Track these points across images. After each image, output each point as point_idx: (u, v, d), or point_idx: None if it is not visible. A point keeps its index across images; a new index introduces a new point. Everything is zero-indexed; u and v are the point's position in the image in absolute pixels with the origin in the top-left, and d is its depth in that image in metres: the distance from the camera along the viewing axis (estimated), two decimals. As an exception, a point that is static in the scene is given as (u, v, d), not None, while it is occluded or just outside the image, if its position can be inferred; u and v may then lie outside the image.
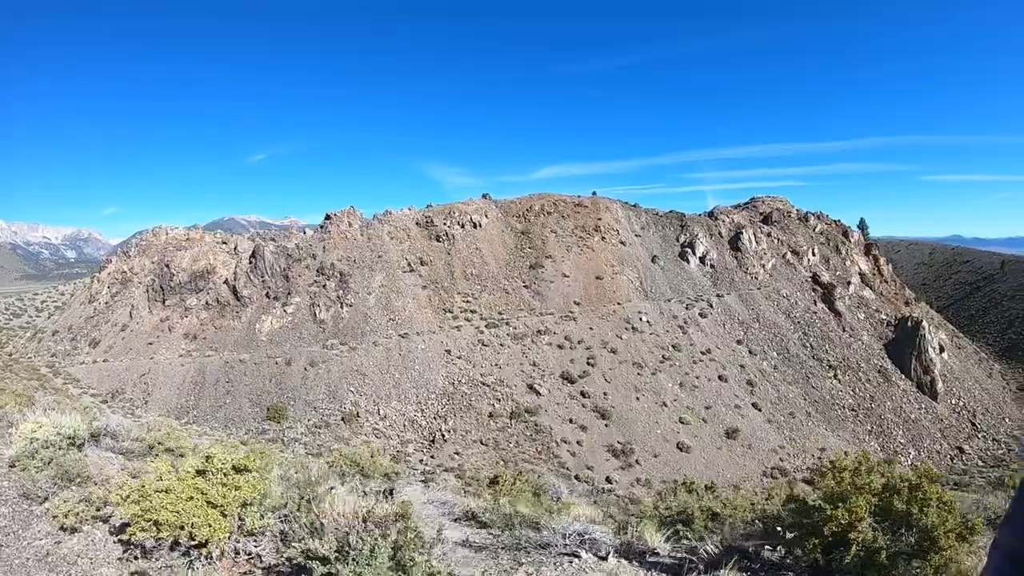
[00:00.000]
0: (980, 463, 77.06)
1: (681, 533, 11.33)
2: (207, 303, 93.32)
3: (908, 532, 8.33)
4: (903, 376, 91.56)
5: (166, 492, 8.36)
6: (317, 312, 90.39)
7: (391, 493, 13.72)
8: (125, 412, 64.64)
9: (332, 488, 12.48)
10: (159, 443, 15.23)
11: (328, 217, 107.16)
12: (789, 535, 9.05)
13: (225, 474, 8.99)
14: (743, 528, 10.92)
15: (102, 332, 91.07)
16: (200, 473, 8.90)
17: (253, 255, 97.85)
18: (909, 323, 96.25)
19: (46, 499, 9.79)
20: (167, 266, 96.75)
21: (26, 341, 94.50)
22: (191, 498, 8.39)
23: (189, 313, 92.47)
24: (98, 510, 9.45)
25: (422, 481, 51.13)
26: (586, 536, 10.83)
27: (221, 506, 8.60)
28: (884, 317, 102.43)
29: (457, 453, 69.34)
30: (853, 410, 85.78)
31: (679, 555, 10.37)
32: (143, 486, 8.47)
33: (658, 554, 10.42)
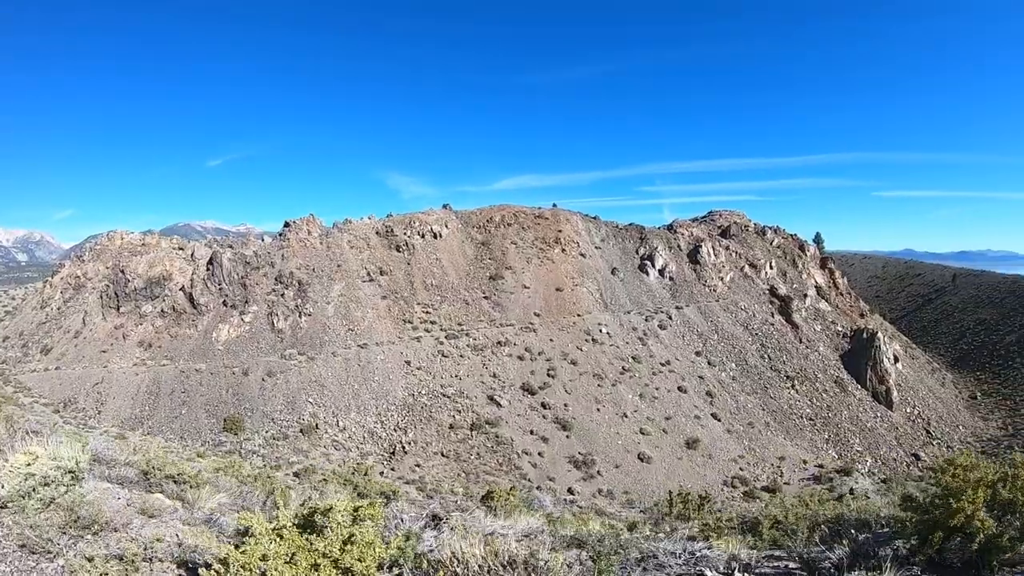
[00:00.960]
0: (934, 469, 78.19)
1: (755, 544, 10.83)
2: (163, 311, 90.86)
3: (1013, 517, 8.79)
4: (859, 386, 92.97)
5: (287, 562, 6.44)
6: (275, 321, 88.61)
7: (438, 521, 12.84)
8: (78, 423, 62.45)
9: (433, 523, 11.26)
10: (156, 469, 13.61)
11: (287, 225, 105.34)
12: (906, 532, 9.47)
13: (347, 527, 7.08)
14: (806, 533, 10.60)
15: (54, 339, 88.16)
16: (309, 527, 7.06)
17: (210, 262, 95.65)
18: (864, 334, 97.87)
19: (57, 554, 7.82)
20: (122, 272, 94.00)
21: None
22: (315, 566, 6.52)
23: (144, 320, 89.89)
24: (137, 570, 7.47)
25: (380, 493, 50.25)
26: (697, 554, 10.10)
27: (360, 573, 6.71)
28: (840, 329, 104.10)
29: (418, 465, 68.17)
30: (811, 419, 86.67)
31: (789, 565, 9.97)
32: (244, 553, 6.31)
33: (779, 564, 9.91)
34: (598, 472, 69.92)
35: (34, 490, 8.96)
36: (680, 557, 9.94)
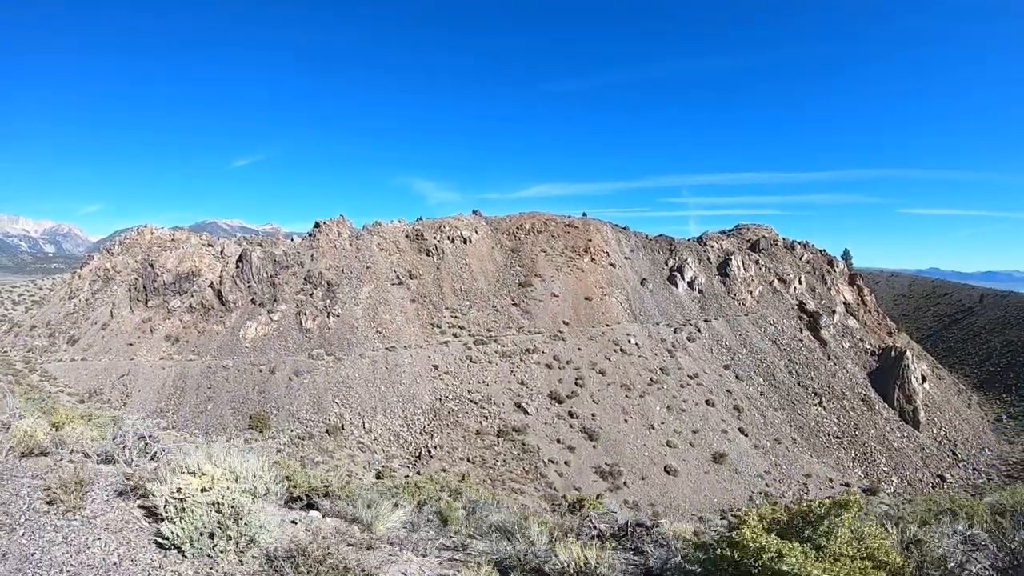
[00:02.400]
0: (960, 492, 77.70)
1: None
2: (191, 306, 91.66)
3: None
4: (886, 405, 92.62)
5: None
6: (303, 321, 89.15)
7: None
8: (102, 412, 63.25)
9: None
10: (299, 483, 11.76)
11: (317, 225, 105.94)
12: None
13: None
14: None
15: (81, 330, 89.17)
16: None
17: (240, 260, 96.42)
18: (893, 353, 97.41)
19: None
20: (151, 266, 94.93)
21: (1, 334, 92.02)
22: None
23: (172, 315, 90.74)
24: None
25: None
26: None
27: None
28: (868, 347, 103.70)
29: (443, 470, 68.11)
30: (838, 437, 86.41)
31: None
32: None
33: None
34: (624, 483, 69.92)
35: (223, 526, 7.49)
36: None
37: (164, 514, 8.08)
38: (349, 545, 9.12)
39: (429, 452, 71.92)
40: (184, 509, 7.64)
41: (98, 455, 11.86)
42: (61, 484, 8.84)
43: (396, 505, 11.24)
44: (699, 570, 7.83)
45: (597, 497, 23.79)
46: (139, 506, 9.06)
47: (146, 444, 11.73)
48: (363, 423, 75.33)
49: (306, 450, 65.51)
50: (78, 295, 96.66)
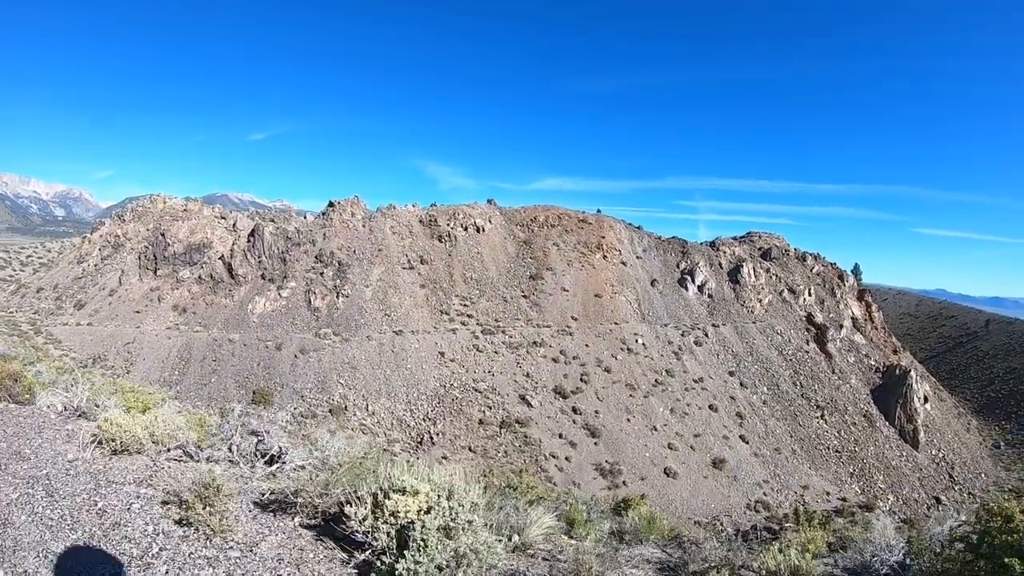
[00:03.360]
0: (954, 515, 77.96)
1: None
2: (200, 277, 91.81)
3: None
4: (887, 423, 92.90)
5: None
6: (312, 299, 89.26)
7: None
8: (106, 379, 63.31)
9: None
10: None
11: (331, 204, 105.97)
12: None
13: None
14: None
15: (89, 295, 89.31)
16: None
17: (252, 234, 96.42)
18: (897, 371, 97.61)
19: None
20: (162, 235, 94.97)
21: (8, 295, 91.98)
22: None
23: (181, 285, 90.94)
24: None
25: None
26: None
27: None
28: (873, 363, 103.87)
29: (445, 458, 68.29)
30: (837, 451, 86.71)
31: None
32: None
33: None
34: (623, 482, 70.13)
35: (462, 559, 6.17)
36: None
37: (372, 542, 6.70)
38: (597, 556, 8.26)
39: (431, 439, 72.15)
40: (411, 539, 6.32)
41: (201, 452, 10.50)
42: (197, 496, 7.30)
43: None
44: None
45: (642, 497, 23.86)
46: (304, 525, 7.82)
47: (259, 441, 10.95)
48: (367, 405, 75.56)
49: (307, 429, 65.67)
50: (87, 260, 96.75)
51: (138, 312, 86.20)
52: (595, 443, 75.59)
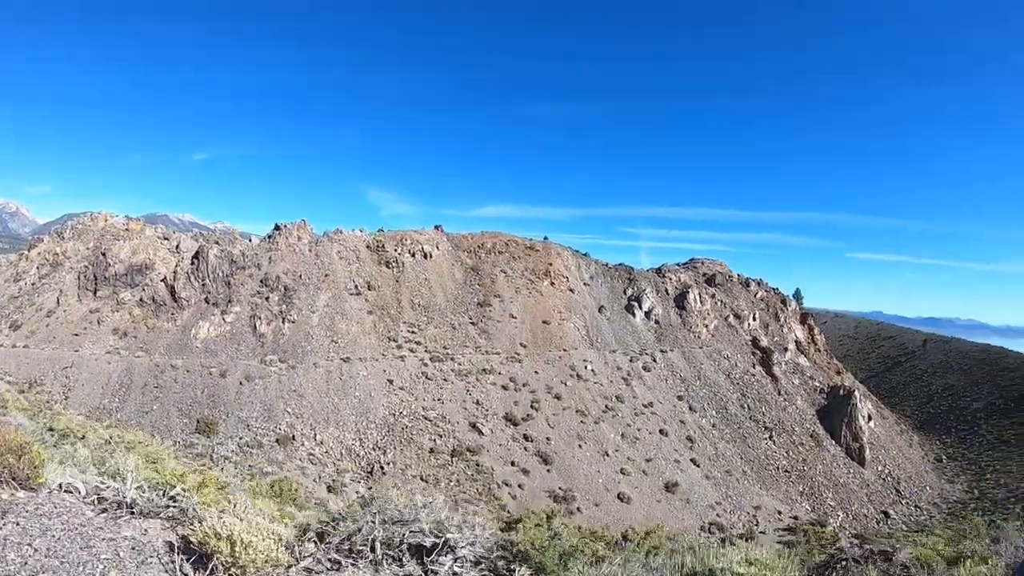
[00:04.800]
0: (904, 527, 79.29)
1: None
2: (142, 300, 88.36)
3: None
4: (833, 442, 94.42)
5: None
6: (257, 324, 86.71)
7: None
8: (42, 407, 60.38)
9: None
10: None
11: (277, 227, 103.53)
12: None
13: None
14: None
15: (25, 315, 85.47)
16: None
17: (196, 256, 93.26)
18: (841, 391, 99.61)
19: None
20: (103, 255, 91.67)
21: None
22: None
23: (121, 308, 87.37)
24: None
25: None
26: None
27: None
28: (817, 384, 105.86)
29: (396, 487, 66.47)
30: (786, 471, 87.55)
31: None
32: None
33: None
34: (578, 508, 69.33)
35: None
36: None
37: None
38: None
39: (382, 468, 70.37)
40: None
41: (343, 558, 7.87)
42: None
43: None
44: None
45: (660, 526, 23.10)
46: None
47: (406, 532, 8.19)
48: (314, 434, 73.30)
49: (255, 459, 63.37)
50: (24, 278, 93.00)
51: (77, 335, 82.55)
52: (548, 470, 74.70)
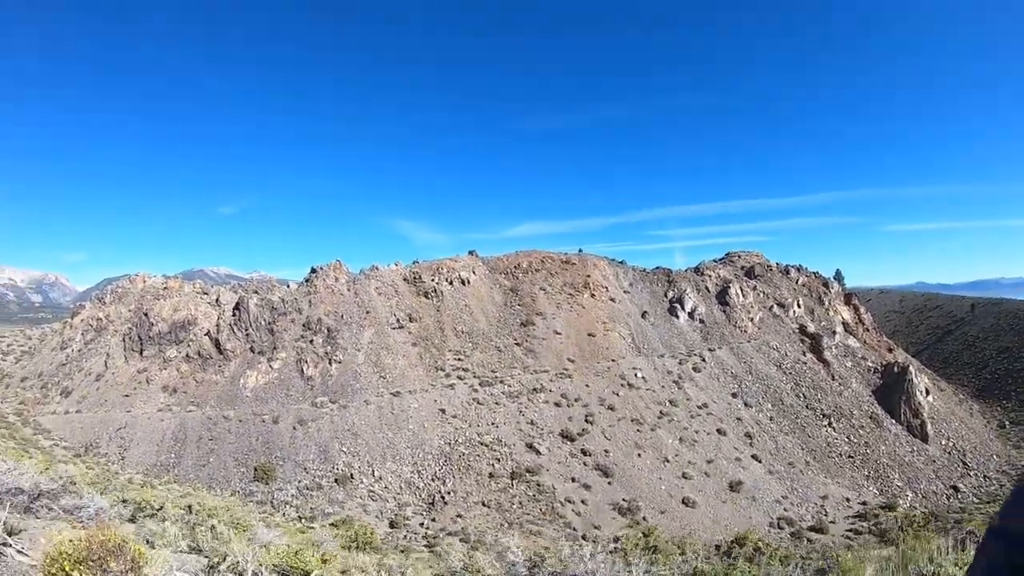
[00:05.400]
0: (975, 500, 77.93)
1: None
2: (187, 355, 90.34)
3: None
4: (893, 421, 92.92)
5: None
6: (304, 368, 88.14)
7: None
8: (101, 468, 62.11)
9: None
10: None
11: (314, 271, 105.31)
12: None
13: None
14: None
15: (75, 381, 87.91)
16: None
17: (237, 307, 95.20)
18: (896, 368, 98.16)
19: None
20: (145, 315, 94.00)
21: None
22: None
23: (168, 365, 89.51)
24: None
25: (427, 546, 49.75)
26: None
27: None
28: (870, 364, 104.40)
29: (459, 516, 67.39)
30: (850, 457, 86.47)
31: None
32: None
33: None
34: (643, 518, 69.10)
35: None
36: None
37: None
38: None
39: (443, 498, 71.07)
40: None
41: None
42: None
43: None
44: None
45: (753, 531, 23.59)
46: None
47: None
48: (372, 471, 74.22)
49: (315, 501, 64.72)
50: (70, 345, 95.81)
51: (127, 396, 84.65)
52: (609, 482, 74.80)
